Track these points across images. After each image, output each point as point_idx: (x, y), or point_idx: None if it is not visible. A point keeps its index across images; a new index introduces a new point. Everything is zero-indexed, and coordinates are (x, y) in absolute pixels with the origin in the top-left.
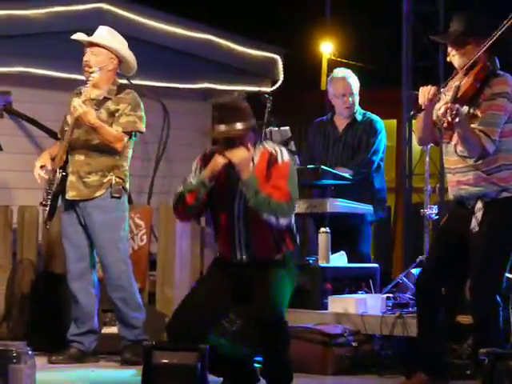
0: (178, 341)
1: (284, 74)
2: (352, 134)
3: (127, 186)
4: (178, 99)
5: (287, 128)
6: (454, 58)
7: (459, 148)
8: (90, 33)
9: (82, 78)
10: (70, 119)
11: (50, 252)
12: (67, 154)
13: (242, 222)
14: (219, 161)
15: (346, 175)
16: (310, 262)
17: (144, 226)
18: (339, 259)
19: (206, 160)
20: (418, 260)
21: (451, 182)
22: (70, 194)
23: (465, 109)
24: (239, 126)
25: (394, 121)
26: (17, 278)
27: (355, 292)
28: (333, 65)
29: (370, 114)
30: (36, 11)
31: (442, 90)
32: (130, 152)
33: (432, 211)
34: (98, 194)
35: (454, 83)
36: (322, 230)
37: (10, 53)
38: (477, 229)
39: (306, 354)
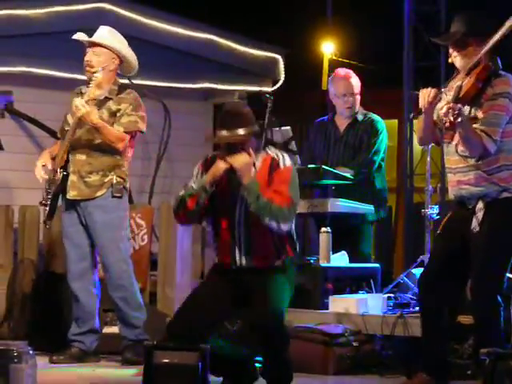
0: (179, 341)
1: (285, 73)
2: (353, 134)
3: (128, 185)
4: (179, 99)
5: (288, 128)
6: (456, 59)
7: (460, 148)
8: (91, 33)
9: (84, 77)
10: (70, 119)
11: (51, 252)
12: (68, 153)
13: (243, 227)
14: (221, 166)
15: (347, 175)
16: (311, 261)
17: (145, 226)
18: (340, 259)
19: (207, 165)
20: (418, 260)
21: (452, 182)
22: (71, 194)
23: (466, 109)
24: (241, 131)
25: (395, 121)
26: (18, 278)
27: (356, 292)
28: (334, 65)
29: (371, 114)
30: (37, 11)
31: (443, 89)
32: (131, 152)
33: (433, 211)
34: (99, 193)
35: (455, 83)
36: (323, 229)
37: (11, 53)
38: (477, 229)
39: (306, 353)
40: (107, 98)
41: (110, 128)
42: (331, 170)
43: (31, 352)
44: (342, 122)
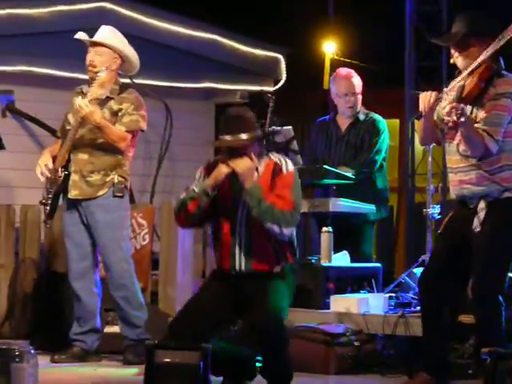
0: (180, 341)
1: (287, 73)
2: (355, 133)
3: (129, 184)
4: (181, 98)
5: (290, 127)
6: (458, 59)
7: (462, 147)
8: (92, 32)
9: (85, 77)
10: (71, 118)
11: (52, 251)
12: (69, 152)
13: (244, 231)
14: (223, 170)
15: (349, 175)
16: (313, 261)
17: (146, 226)
18: (341, 258)
19: (209, 169)
20: (420, 259)
21: (453, 182)
22: (73, 193)
23: (468, 108)
24: (243, 136)
25: (397, 120)
26: (19, 277)
27: (357, 291)
28: (336, 64)
29: (372, 114)
30: (39, 10)
31: (444, 89)
32: (132, 151)
33: (435, 211)
34: (100, 193)
35: (457, 83)
36: (325, 229)
37: (12, 52)
38: (479, 228)
39: (308, 353)
40: (109, 98)
41: (112, 127)
42: (333, 169)
43: (33, 351)
44: (343, 122)
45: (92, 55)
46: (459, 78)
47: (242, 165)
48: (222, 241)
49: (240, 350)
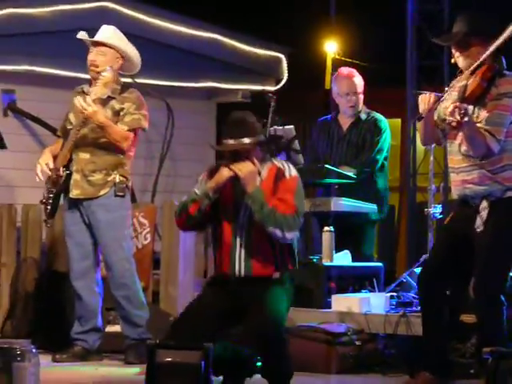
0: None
1: (288, 72)
2: (356, 132)
3: (130, 184)
4: (183, 98)
5: (291, 127)
6: (459, 59)
7: (463, 147)
8: (94, 31)
9: (87, 76)
10: (72, 117)
11: (53, 250)
12: (71, 152)
13: (245, 235)
14: (225, 173)
15: (350, 174)
16: (314, 260)
17: (148, 225)
18: (343, 258)
19: (212, 174)
20: (421, 259)
21: (455, 182)
22: (74, 193)
23: (470, 108)
24: (246, 140)
25: (399, 120)
26: (21, 277)
27: (359, 291)
28: (337, 64)
29: (374, 113)
30: (41, 10)
31: (446, 89)
32: (133, 151)
33: (436, 210)
34: (102, 192)
35: (459, 83)
36: (326, 228)
37: (14, 51)
38: (481, 228)
39: (309, 352)
40: (110, 97)
41: (115, 127)
42: (334, 168)
43: (34, 350)
44: (345, 121)
45: (94, 55)
46: (460, 78)
47: (244, 169)
48: (222, 244)
49: (239, 349)
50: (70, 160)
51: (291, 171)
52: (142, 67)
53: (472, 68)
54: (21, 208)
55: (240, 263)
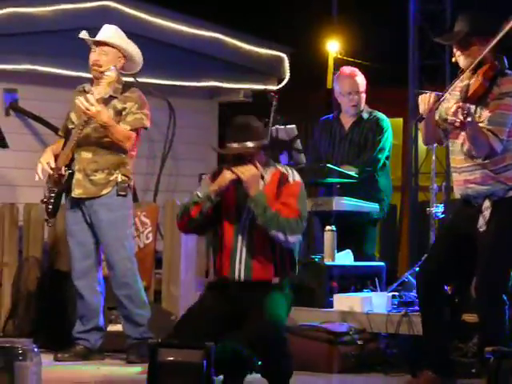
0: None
1: (290, 72)
2: (358, 132)
3: (132, 183)
4: (184, 97)
5: (293, 126)
6: (460, 58)
7: (466, 147)
8: (96, 31)
9: (88, 75)
10: (74, 117)
11: (55, 250)
12: (73, 151)
13: (246, 240)
14: (227, 176)
15: (352, 173)
16: (316, 260)
17: (150, 224)
18: (345, 257)
19: (215, 178)
20: (423, 258)
21: (457, 181)
22: (77, 192)
23: (472, 108)
24: (250, 144)
25: (401, 119)
26: (23, 276)
27: (361, 290)
28: (339, 63)
29: (376, 113)
30: (42, 9)
31: (447, 88)
32: (135, 150)
33: (438, 210)
34: (104, 191)
35: (461, 82)
36: (328, 228)
37: (16, 50)
38: (484, 228)
39: (311, 352)
40: (112, 97)
41: (118, 127)
42: (336, 168)
43: (36, 350)
44: (347, 120)
45: (97, 55)
46: (462, 77)
47: (246, 172)
48: (223, 248)
49: (238, 349)
50: (72, 159)
51: (295, 176)
52: (143, 66)
53: (472, 66)
54: (23, 207)
55: (240, 267)
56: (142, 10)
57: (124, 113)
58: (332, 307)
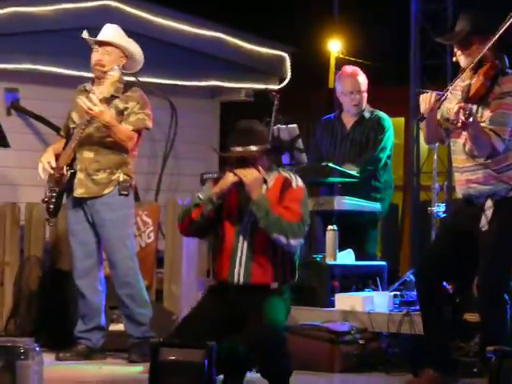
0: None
1: (292, 71)
2: (360, 131)
3: (133, 183)
4: (186, 97)
5: (295, 126)
6: (460, 58)
7: (468, 147)
8: (97, 30)
9: (90, 75)
10: (75, 116)
11: (57, 249)
12: (75, 151)
13: (247, 243)
14: (230, 178)
15: (353, 173)
16: (318, 259)
17: (151, 224)
18: (346, 257)
19: (218, 182)
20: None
21: (459, 181)
22: (79, 192)
23: (474, 107)
24: (253, 148)
25: (402, 119)
26: (24, 275)
27: (362, 290)
28: (341, 63)
29: (377, 112)
30: (43, 8)
31: (449, 88)
32: (136, 150)
33: (439, 209)
34: (106, 191)
35: (462, 82)
36: (330, 227)
37: (17, 50)
38: (486, 227)
39: (313, 351)
40: (113, 96)
41: (120, 127)
42: (337, 167)
43: (38, 349)
44: (348, 120)
45: (100, 55)
46: (462, 76)
47: (249, 175)
48: (223, 250)
49: (236, 347)
50: (74, 159)
51: (298, 181)
52: (145, 66)
53: (472, 65)
54: (24, 206)
55: (240, 270)
56: (143, 9)
57: (126, 112)
58: (334, 307)
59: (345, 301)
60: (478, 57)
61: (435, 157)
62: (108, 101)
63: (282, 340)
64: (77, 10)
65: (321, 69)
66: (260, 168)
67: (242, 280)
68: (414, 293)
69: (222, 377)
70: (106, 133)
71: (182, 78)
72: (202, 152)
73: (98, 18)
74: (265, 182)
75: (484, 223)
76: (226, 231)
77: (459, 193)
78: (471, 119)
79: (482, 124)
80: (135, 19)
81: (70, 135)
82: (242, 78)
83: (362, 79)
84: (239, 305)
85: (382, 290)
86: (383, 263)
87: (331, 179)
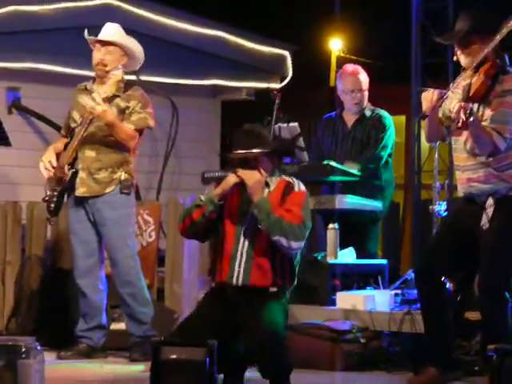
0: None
1: (293, 70)
2: (361, 129)
3: (135, 181)
4: (187, 96)
5: (296, 124)
6: (461, 57)
7: (469, 145)
8: (98, 29)
9: (91, 74)
10: (76, 115)
11: (58, 248)
12: (76, 150)
13: (247, 245)
14: (231, 179)
15: (354, 171)
16: (319, 258)
17: (153, 223)
18: (348, 255)
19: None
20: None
21: (461, 180)
22: (81, 191)
23: (475, 106)
24: (256, 150)
25: (403, 117)
26: (25, 274)
27: (363, 288)
28: (342, 61)
29: (378, 110)
30: (44, 7)
31: (450, 86)
32: (138, 149)
33: (441, 208)
34: (108, 190)
35: (463, 81)
36: (331, 226)
37: (18, 49)
38: (487, 226)
39: (314, 350)
40: (115, 96)
41: (122, 126)
42: (339, 166)
43: (39, 348)
44: (349, 118)
45: (103, 54)
46: (464, 76)
47: (251, 177)
48: (223, 252)
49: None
50: (75, 158)
51: (300, 186)
52: (146, 64)
53: (475, 65)
54: (25, 206)
55: (239, 271)
56: (144, 8)
57: (127, 111)
58: (335, 305)
59: (346, 299)
60: (480, 58)
61: (436, 155)
62: (109, 100)
63: (281, 344)
64: (78, 8)
65: (322, 67)
66: (262, 171)
67: (240, 281)
68: (415, 291)
69: (222, 376)
70: (107, 132)
71: (183, 76)
72: (203, 151)
73: (99, 17)
74: (267, 185)
75: (485, 222)
76: (226, 233)
77: (460, 191)
78: (471, 119)
79: (484, 123)
80: (137, 18)
81: (71, 134)
82: (244, 77)
83: (363, 77)
84: (238, 306)
85: (383, 288)
86: (384, 262)
87: (332, 178)
